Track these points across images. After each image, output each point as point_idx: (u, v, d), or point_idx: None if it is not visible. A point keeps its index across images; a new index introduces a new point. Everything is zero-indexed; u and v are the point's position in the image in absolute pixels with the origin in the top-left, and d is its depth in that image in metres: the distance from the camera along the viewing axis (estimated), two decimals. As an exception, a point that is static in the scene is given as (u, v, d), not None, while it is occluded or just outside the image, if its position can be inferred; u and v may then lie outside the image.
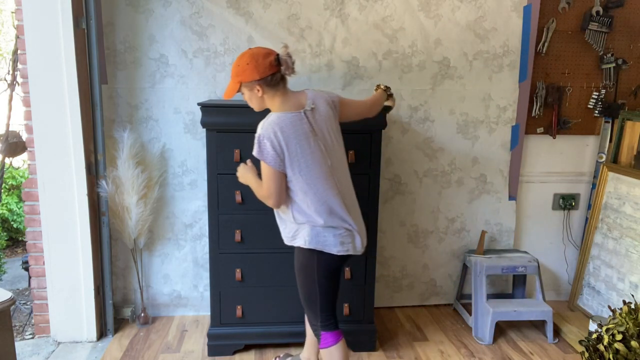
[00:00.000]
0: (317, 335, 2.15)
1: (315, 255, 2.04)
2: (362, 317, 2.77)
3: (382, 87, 2.39)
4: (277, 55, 1.98)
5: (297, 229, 2.07)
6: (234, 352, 2.74)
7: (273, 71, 1.96)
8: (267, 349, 2.77)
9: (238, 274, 2.65)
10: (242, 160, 2.54)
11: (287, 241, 2.14)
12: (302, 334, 2.68)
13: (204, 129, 2.55)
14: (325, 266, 2.06)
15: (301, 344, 2.76)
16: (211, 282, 2.68)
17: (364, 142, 2.58)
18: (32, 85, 2.60)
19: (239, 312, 2.69)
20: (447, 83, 3.06)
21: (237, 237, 2.61)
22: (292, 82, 2.97)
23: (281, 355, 2.68)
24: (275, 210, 2.15)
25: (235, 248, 2.64)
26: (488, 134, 3.15)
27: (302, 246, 2.05)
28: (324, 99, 2.08)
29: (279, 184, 1.97)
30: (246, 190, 2.56)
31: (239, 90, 2.02)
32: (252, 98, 2.03)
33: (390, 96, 2.42)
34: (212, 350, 2.72)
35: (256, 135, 1.97)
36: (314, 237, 2.02)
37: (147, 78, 2.89)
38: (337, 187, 2.05)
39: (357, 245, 2.10)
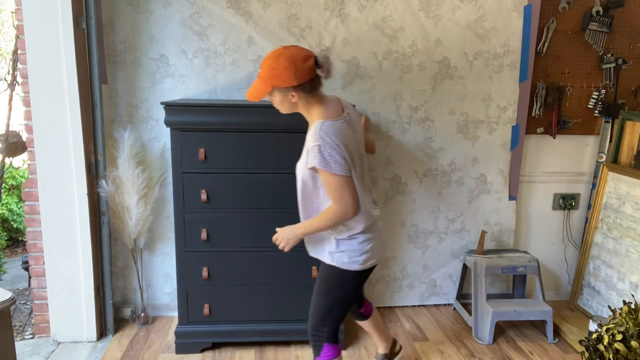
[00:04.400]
0: (318, 345, 2.05)
1: (352, 273, 1.98)
2: None
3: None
4: (316, 57, 1.85)
5: (337, 244, 1.97)
6: (202, 350, 2.74)
7: (311, 76, 1.84)
8: (236, 348, 2.77)
9: (205, 272, 2.65)
10: (207, 158, 2.53)
11: (326, 258, 2.02)
12: (271, 332, 2.73)
13: (168, 128, 2.54)
14: (359, 281, 2.05)
15: (269, 343, 2.79)
16: (178, 280, 2.69)
17: None
18: (32, 85, 2.60)
19: (206, 310, 2.69)
20: (447, 83, 3.06)
21: (203, 235, 2.61)
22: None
23: None
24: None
25: (201, 246, 2.64)
26: (488, 134, 3.15)
27: (342, 267, 1.98)
28: (352, 108, 2.05)
29: (353, 190, 1.86)
30: (211, 189, 2.58)
31: (269, 94, 1.89)
32: (284, 102, 1.90)
33: None
34: (180, 348, 2.72)
35: (314, 146, 1.81)
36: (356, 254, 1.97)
37: (147, 78, 2.89)
38: (370, 193, 2.07)
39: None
